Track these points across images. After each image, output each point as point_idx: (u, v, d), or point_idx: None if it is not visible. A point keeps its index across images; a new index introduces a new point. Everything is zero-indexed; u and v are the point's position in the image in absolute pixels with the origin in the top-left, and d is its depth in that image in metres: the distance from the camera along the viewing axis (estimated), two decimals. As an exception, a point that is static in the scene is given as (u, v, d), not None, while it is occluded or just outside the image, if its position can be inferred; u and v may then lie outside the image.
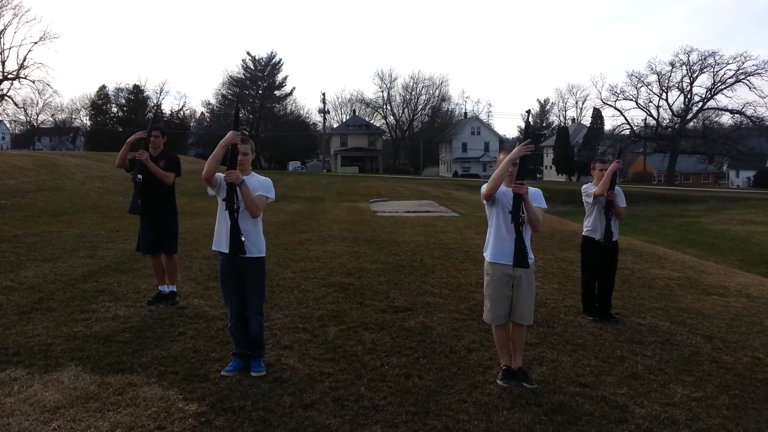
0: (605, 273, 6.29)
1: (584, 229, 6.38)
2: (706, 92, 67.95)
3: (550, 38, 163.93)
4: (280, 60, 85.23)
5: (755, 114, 64.42)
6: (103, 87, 75.03)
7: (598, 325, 6.01)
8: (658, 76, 69.35)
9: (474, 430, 3.67)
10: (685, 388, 4.48)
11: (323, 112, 77.53)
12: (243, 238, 4.31)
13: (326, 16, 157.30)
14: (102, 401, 3.88)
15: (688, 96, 69.04)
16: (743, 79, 64.08)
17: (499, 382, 4.39)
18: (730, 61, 65.42)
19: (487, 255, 4.50)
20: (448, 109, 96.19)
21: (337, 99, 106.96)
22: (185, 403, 3.88)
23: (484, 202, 4.46)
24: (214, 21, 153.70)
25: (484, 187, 4.38)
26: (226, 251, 4.36)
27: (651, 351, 5.31)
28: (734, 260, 15.40)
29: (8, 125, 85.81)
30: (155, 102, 77.98)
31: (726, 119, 70.74)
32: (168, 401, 3.91)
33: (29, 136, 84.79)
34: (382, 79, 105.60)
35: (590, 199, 6.17)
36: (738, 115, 66.54)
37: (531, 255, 4.42)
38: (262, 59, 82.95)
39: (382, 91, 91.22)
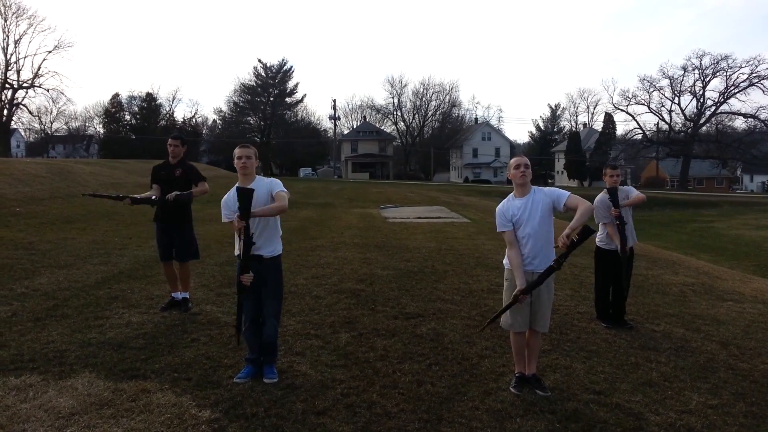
0: (619, 279, 6.23)
1: (597, 240, 6.34)
2: (719, 96, 67.64)
3: (561, 43, 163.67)
4: (291, 67, 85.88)
5: (769, 118, 63.86)
6: (117, 95, 75.82)
7: (611, 332, 5.96)
8: (670, 80, 69.16)
9: (487, 437, 3.65)
10: (701, 395, 4.43)
11: (334, 118, 77.67)
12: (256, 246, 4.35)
13: (337, 24, 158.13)
14: (116, 408, 3.90)
15: (701, 100, 68.74)
16: (757, 82, 63.71)
17: (512, 389, 4.36)
18: (743, 65, 65.34)
19: (507, 263, 4.47)
20: (458, 114, 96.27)
21: (348, 105, 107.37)
22: (198, 410, 3.90)
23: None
24: (226, 29, 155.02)
25: (505, 236, 4.41)
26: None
27: (666, 358, 5.26)
28: (749, 266, 15.22)
29: (23, 133, 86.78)
30: (168, 110, 78.68)
31: (739, 123, 70.31)
32: (181, 408, 3.92)
33: (43, 144, 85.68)
34: (392, 85, 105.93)
35: (601, 222, 6.24)
36: (752, 119, 66.11)
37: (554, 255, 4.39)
38: (273, 66, 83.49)
39: (393, 98, 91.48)
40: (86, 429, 3.60)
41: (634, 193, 6.23)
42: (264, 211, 4.31)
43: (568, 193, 4.37)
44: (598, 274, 6.43)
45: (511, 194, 4.48)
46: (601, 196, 6.23)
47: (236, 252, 4.50)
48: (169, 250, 6.32)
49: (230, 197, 4.43)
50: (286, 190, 4.50)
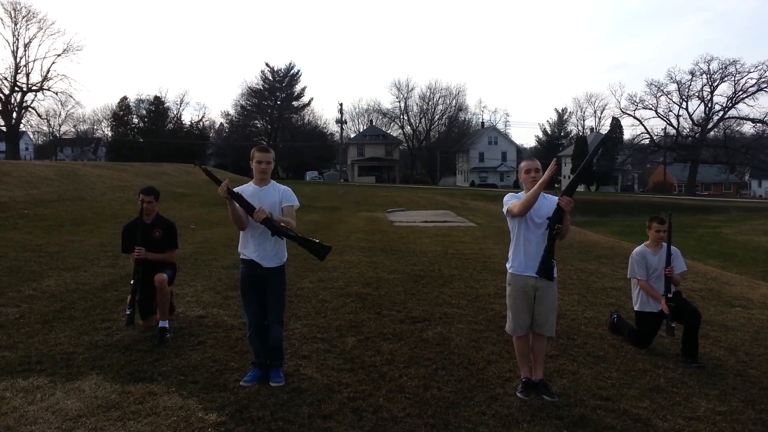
0: (689, 317, 5.42)
1: (634, 304, 5.76)
2: (727, 101, 67.31)
3: (568, 47, 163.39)
4: (299, 71, 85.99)
5: (777, 123, 63.51)
6: (125, 98, 76.23)
7: (618, 338, 5.93)
8: (678, 84, 68.91)
9: (494, 442, 3.64)
10: (709, 401, 4.40)
11: (340, 122, 77.84)
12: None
13: (344, 28, 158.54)
14: (123, 410, 3.91)
15: (709, 105, 68.45)
16: (765, 87, 63.31)
17: (518, 394, 4.34)
18: (751, 70, 65.08)
19: (511, 267, 4.46)
20: (465, 118, 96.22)
21: (354, 109, 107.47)
22: (205, 413, 3.90)
23: (508, 216, 4.43)
24: (234, 33, 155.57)
25: (512, 205, 4.31)
26: (254, 259, 4.39)
27: (673, 363, 5.23)
28: (757, 272, 15.10)
29: (31, 136, 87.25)
30: (175, 113, 79.03)
31: (747, 128, 69.99)
32: (188, 411, 3.93)
33: (52, 146, 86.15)
34: (399, 89, 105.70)
35: (635, 278, 5.67)
36: (760, 124, 65.71)
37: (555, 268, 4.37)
38: (280, 70, 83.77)
39: (399, 101, 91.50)
40: (93, 431, 3.61)
41: (680, 264, 5.57)
42: (282, 219, 4.35)
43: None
44: (640, 331, 5.68)
45: (522, 192, 4.46)
46: (641, 250, 5.67)
47: (242, 256, 4.53)
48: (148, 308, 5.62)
49: (242, 190, 4.42)
50: (297, 203, 4.51)
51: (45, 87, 60.53)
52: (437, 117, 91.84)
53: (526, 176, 4.34)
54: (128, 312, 5.33)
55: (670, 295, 5.39)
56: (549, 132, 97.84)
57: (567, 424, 3.90)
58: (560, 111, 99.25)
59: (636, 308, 5.74)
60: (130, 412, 3.89)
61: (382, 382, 4.55)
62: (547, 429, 3.82)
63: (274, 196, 4.44)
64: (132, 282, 5.40)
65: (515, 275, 4.40)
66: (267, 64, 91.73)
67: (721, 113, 68.70)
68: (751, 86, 64.53)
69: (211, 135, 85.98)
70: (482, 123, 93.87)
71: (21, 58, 59.83)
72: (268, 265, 4.42)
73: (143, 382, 4.40)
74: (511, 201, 4.38)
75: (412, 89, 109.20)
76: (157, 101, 76.24)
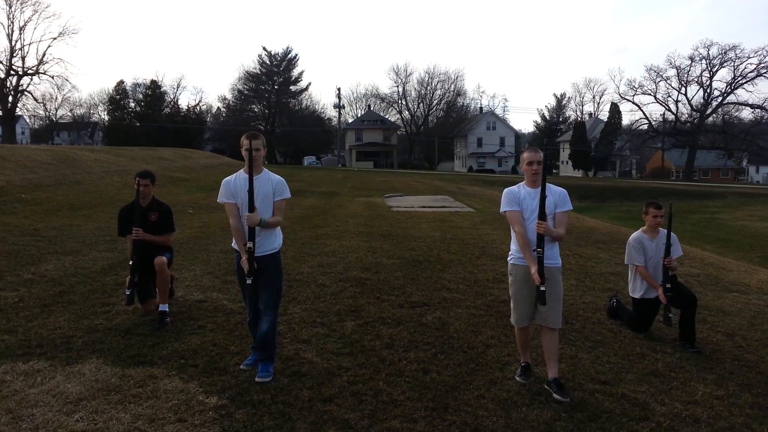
0: (685, 301, 5.45)
1: (631, 291, 5.79)
2: (726, 87, 67.11)
3: (567, 32, 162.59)
4: (296, 55, 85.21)
5: (776, 109, 63.34)
6: (121, 82, 75.72)
7: (616, 323, 5.95)
8: (677, 70, 68.65)
9: (493, 426, 3.66)
10: (707, 386, 4.43)
11: (338, 107, 77.56)
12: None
13: (342, 11, 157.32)
14: (123, 393, 3.93)
15: (708, 90, 68.23)
16: (765, 73, 63.11)
17: (517, 378, 4.37)
18: (751, 55, 64.53)
19: (511, 256, 4.42)
20: (463, 103, 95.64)
21: (352, 94, 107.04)
22: (205, 396, 3.91)
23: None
24: (231, 16, 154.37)
25: (510, 219, 4.28)
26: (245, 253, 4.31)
27: (671, 348, 5.26)
28: (754, 257, 15.15)
29: (28, 120, 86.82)
30: (172, 97, 78.57)
31: (746, 114, 69.85)
32: (188, 394, 3.94)
33: (48, 130, 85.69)
34: (397, 73, 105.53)
35: (633, 264, 5.68)
36: (758, 110, 65.52)
37: (557, 260, 4.29)
38: (277, 54, 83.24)
39: (397, 86, 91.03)
40: (94, 414, 3.63)
41: (677, 249, 5.55)
42: (272, 223, 4.33)
43: (570, 207, 4.29)
44: (638, 316, 5.70)
45: (522, 183, 4.38)
46: (638, 236, 5.67)
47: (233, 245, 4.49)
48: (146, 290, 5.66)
49: (233, 181, 4.36)
50: (289, 195, 4.44)
51: (41, 71, 60.20)
52: (435, 102, 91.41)
53: (528, 168, 4.25)
54: (128, 292, 5.37)
55: (668, 285, 5.40)
56: (547, 117, 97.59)
57: (565, 407, 3.92)
58: (559, 96, 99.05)
59: (633, 295, 5.75)
60: (130, 395, 3.90)
61: (382, 366, 4.57)
62: (546, 412, 3.85)
63: (267, 186, 4.33)
64: (130, 263, 5.41)
65: (516, 265, 4.34)
66: (264, 48, 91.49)
67: (720, 99, 68.61)
68: (750, 72, 64.39)
69: (208, 119, 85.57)
70: (480, 108, 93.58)
71: (16, 41, 59.40)
72: (259, 253, 4.30)
73: (143, 366, 4.41)
74: (510, 209, 4.28)
75: (411, 74, 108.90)
76: (154, 85, 75.76)
